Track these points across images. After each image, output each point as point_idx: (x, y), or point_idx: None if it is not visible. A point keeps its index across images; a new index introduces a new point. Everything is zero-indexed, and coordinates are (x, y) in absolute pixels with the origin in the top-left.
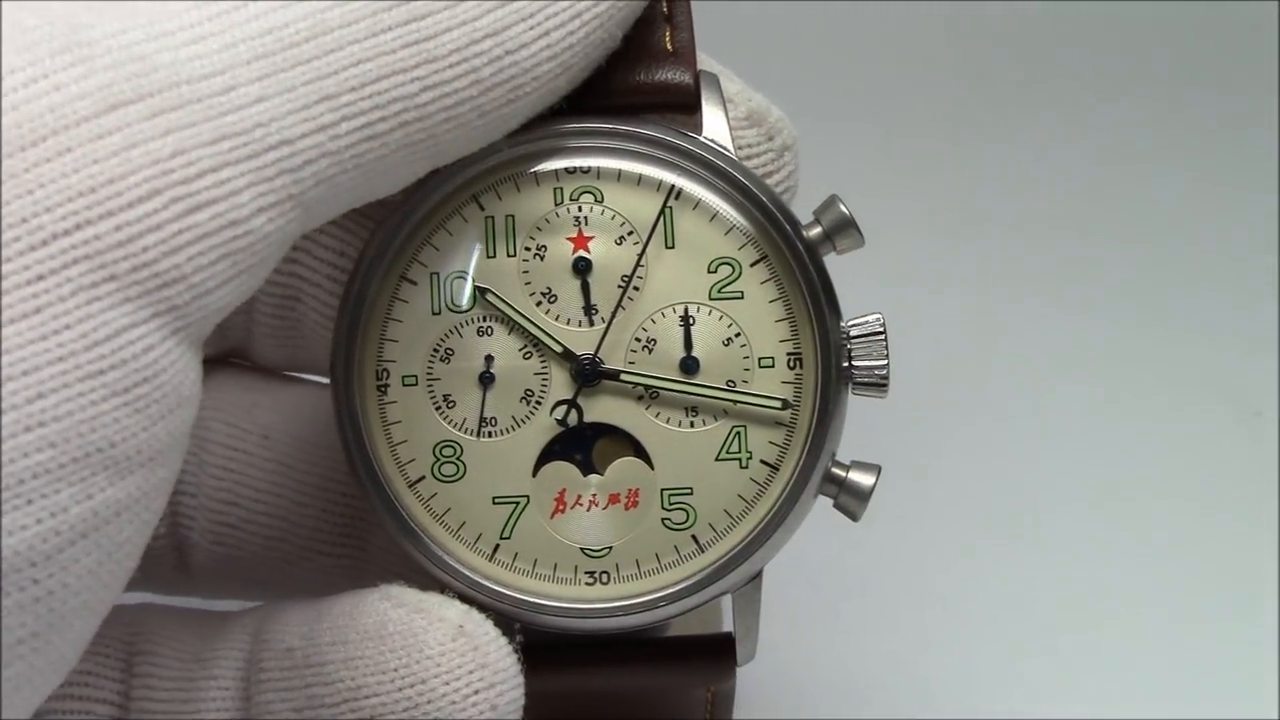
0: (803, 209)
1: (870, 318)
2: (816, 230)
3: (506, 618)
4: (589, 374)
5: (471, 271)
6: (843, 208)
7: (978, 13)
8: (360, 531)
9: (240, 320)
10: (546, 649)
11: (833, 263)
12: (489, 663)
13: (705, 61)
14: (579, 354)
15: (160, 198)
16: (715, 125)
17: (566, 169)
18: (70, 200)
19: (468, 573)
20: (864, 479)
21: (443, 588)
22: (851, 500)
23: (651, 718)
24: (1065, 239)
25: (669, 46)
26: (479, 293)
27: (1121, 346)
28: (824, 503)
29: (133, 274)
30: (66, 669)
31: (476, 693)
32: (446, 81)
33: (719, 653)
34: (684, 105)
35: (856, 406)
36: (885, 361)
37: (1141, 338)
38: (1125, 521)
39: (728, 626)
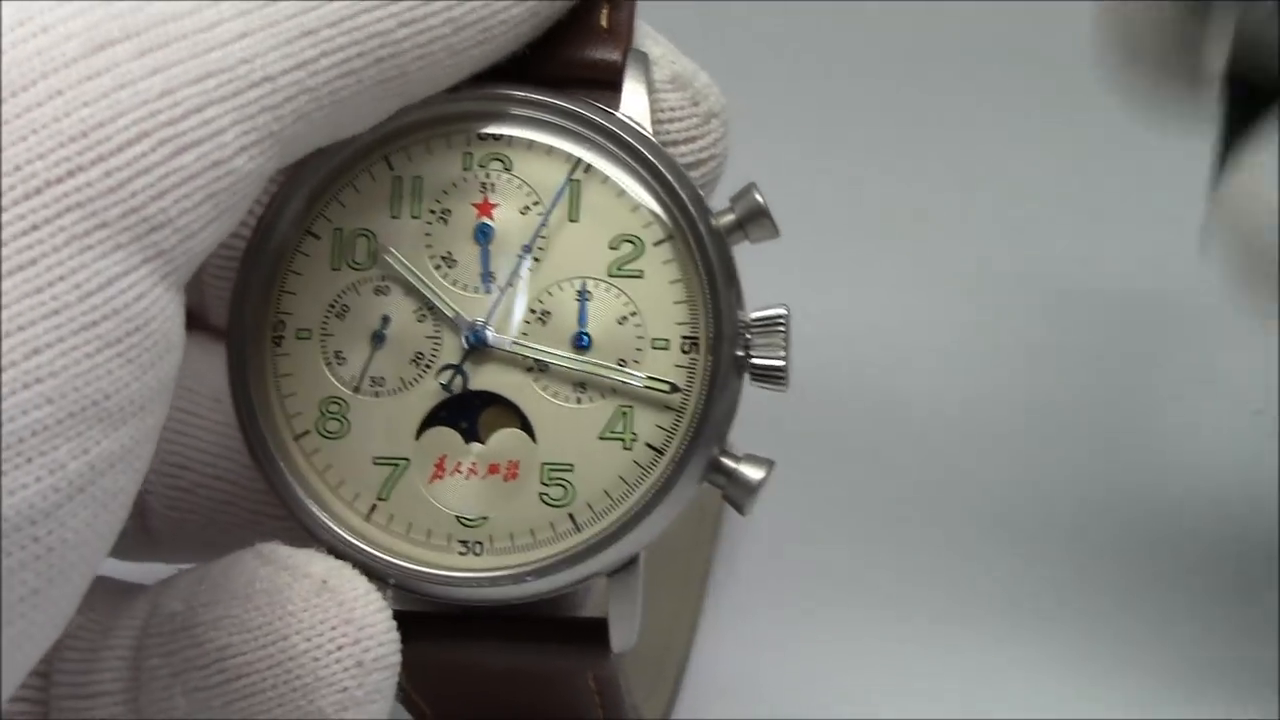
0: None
1: (773, 309)
2: (729, 217)
3: (380, 577)
4: (476, 341)
5: (374, 230)
6: (757, 196)
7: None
8: None
9: (193, 281)
10: (425, 620)
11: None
12: (354, 618)
13: (644, 32)
14: (469, 320)
15: (149, 140)
16: (635, 103)
17: (479, 134)
18: (62, 146)
19: (343, 532)
20: (753, 472)
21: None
22: (739, 492)
23: (545, 701)
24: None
25: (604, 24)
26: (379, 252)
27: (1115, 340)
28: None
29: (122, 220)
30: (64, 623)
31: (340, 648)
32: (421, 19)
33: (591, 636)
34: (608, 82)
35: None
36: (783, 353)
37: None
38: (1118, 520)
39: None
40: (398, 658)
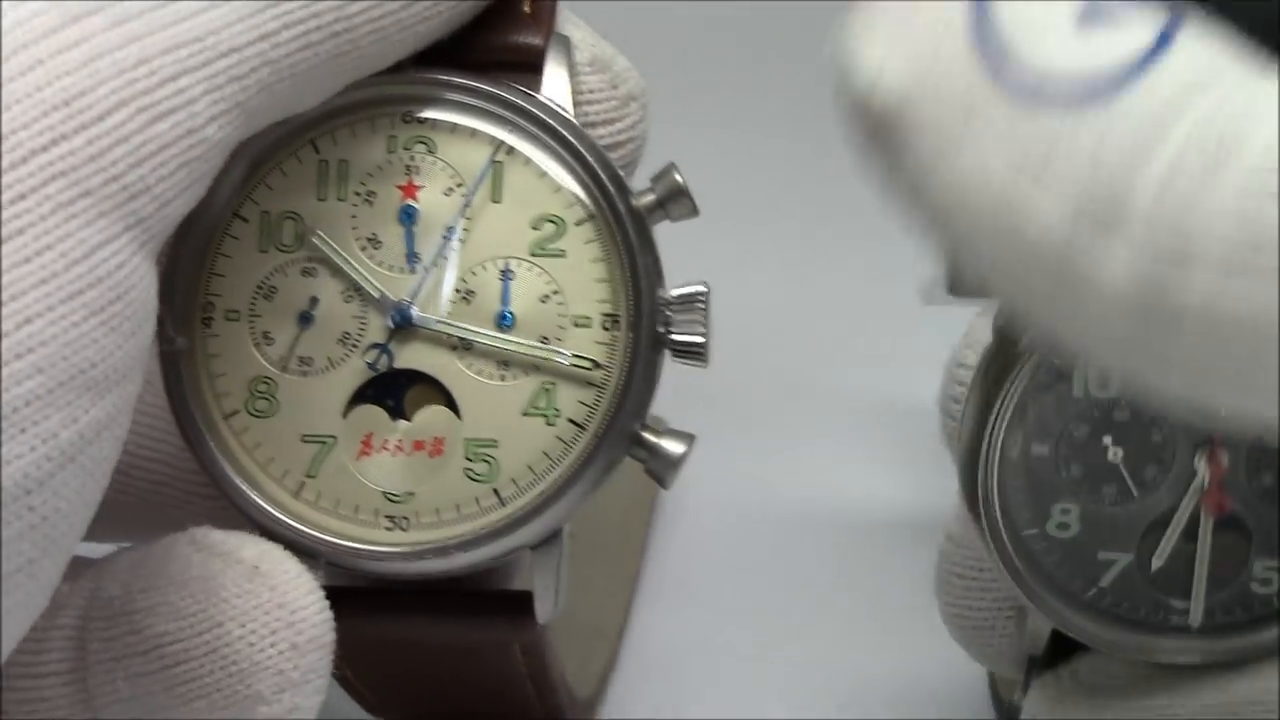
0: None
1: (694, 287)
2: (649, 197)
3: (310, 553)
4: (401, 320)
5: (301, 213)
6: (676, 176)
7: None
8: None
9: None
10: (355, 594)
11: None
12: (286, 602)
13: (565, 17)
14: (395, 299)
15: (127, 109)
16: (556, 86)
17: (403, 118)
18: (45, 115)
19: (273, 509)
20: (675, 447)
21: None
22: (661, 466)
23: (474, 673)
24: None
25: (526, 9)
26: (306, 234)
27: None
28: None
29: (104, 188)
30: (51, 592)
31: (274, 633)
32: None
33: (515, 608)
34: (530, 65)
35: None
36: (703, 329)
37: None
38: None
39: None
40: (331, 638)
